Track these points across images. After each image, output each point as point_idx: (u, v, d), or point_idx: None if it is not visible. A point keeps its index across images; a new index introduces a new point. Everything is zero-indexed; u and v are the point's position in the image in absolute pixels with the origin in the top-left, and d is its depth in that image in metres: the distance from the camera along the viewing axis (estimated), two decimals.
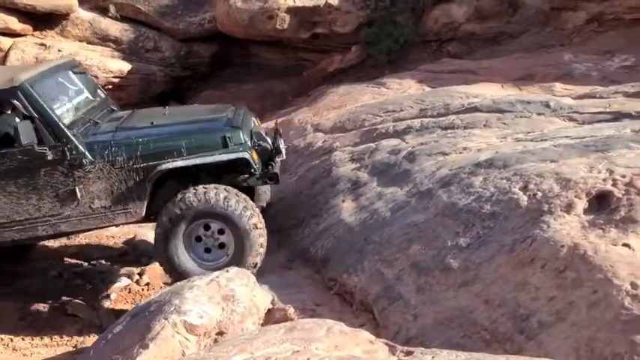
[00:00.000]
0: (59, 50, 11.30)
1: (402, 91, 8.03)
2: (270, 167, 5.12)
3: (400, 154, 5.58)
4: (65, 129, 4.76)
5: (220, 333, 3.61)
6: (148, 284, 5.54)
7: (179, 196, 4.84)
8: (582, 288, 2.93)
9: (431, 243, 4.01)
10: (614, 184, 3.55)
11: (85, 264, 6.15)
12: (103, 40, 11.93)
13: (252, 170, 4.99)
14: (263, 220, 5.00)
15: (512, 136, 5.26)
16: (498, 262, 3.46)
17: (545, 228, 3.44)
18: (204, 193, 4.81)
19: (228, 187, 4.90)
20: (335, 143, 6.63)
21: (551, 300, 3.01)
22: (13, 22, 11.43)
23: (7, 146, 4.73)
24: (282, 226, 5.81)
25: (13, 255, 5.85)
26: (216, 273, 4.07)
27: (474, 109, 6.29)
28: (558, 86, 7.11)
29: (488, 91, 7.05)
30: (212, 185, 4.88)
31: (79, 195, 4.79)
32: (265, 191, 5.95)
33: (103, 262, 6.14)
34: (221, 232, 4.89)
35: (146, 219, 5.11)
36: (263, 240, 4.92)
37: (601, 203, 3.50)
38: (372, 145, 6.13)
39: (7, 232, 4.85)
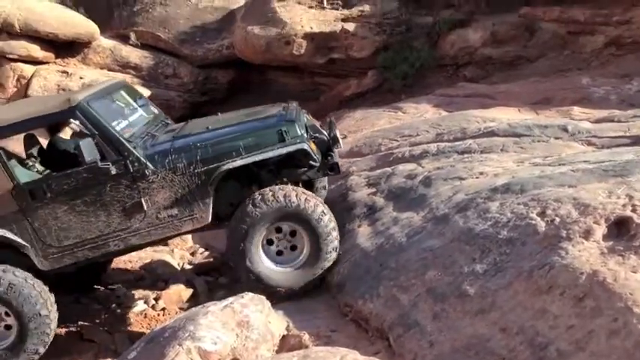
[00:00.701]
0: (81, 78, 11.56)
1: (419, 115, 8.04)
2: (329, 158, 5.10)
3: (416, 178, 5.55)
4: (125, 142, 4.84)
5: None
6: (163, 309, 5.55)
7: (256, 197, 4.82)
8: (602, 316, 2.87)
9: (447, 269, 3.96)
10: (634, 210, 3.49)
11: (102, 288, 6.18)
12: (124, 67, 12.17)
13: (313, 162, 4.99)
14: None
15: (529, 161, 5.21)
16: (516, 289, 3.40)
17: (563, 254, 3.38)
18: (284, 194, 4.80)
19: (304, 189, 4.91)
20: (351, 167, 6.63)
21: (570, 328, 2.94)
22: (36, 50, 11.70)
23: (71, 166, 4.83)
24: None
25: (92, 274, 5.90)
26: (230, 299, 4.07)
27: (491, 133, 6.26)
28: (576, 110, 7.07)
29: (504, 115, 7.03)
30: (290, 187, 4.90)
31: (145, 206, 4.84)
32: (324, 187, 5.94)
33: (120, 286, 6.16)
34: (292, 234, 4.88)
35: (210, 225, 5.09)
36: (337, 243, 4.91)
37: (620, 229, 3.43)
38: (389, 169, 6.11)
39: (80, 252, 4.90)
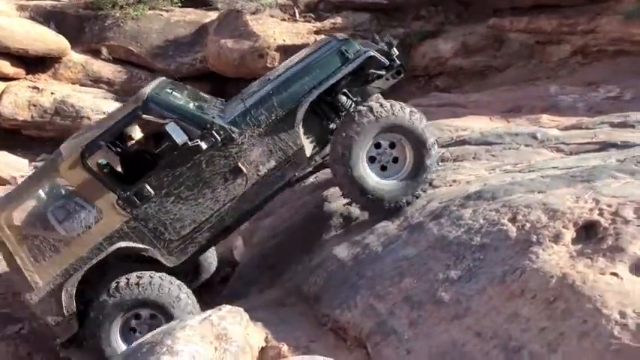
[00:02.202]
0: (52, 93, 11.46)
1: None
2: (392, 63, 5.08)
3: None
4: (204, 115, 4.93)
5: None
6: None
7: (354, 115, 4.79)
8: (572, 318, 2.95)
9: (422, 276, 4.02)
10: (601, 214, 3.59)
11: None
12: (96, 81, 12.09)
13: (383, 64, 4.99)
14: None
15: (500, 168, 5.32)
16: (489, 294, 3.47)
17: (534, 259, 3.47)
18: (385, 107, 4.78)
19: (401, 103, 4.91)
20: (327, 178, 6.67)
21: (542, 331, 3.02)
22: (6, 67, 11.58)
23: (162, 159, 4.94)
24: (275, 263, 5.80)
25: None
26: (208, 312, 4.07)
27: (463, 142, 6.37)
28: (545, 118, 7.23)
29: (476, 124, 7.16)
30: (388, 101, 4.88)
31: (244, 169, 4.88)
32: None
33: None
34: (392, 146, 4.86)
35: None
36: (439, 154, 4.95)
37: (588, 233, 3.53)
38: None
39: (200, 236, 4.96)
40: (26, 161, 11.04)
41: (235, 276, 6.44)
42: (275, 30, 11.41)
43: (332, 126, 5.20)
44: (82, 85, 11.94)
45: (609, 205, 3.63)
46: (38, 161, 11.10)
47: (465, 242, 4.03)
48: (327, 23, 12.30)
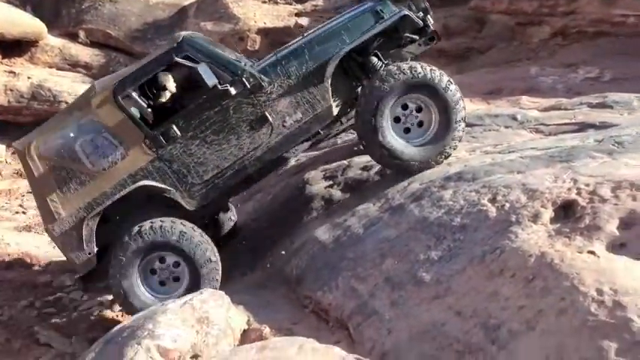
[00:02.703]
0: (28, 77, 11.25)
1: None
2: (426, 28, 5.18)
3: (372, 170, 5.62)
4: (236, 62, 5.03)
5: (195, 356, 3.59)
6: (121, 310, 5.47)
7: (382, 72, 4.86)
8: (550, 296, 2.98)
9: (404, 257, 4.04)
10: (579, 193, 3.63)
11: (58, 292, 6.06)
12: (74, 65, 11.90)
13: (417, 25, 5.09)
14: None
15: (480, 149, 5.34)
16: (469, 274, 3.50)
17: (513, 238, 3.50)
18: (409, 66, 4.85)
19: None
20: (308, 161, 6.66)
21: (521, 309, 3.05)
22: None
23: (192, 102, 4.94)
24: (257, 246, 5.79)
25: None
26: (189, 296, 4.06)
27: None
28: (525, 99, 7.26)
29: None
30: (417, 62, 4.95)
31: (270, 118, 4.93)
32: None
33: (75, 288, 6.05)
34: (418, 110, 4.94)
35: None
36: (464, 113, 4.97)
37: (566, 212, 3.57)
38: (345, 162, 6.16)
39: (222, 182, 5.00)
40: (3, 146, 10.87)
41: None
42: (255, 12, 11.31)
43: (360, 88, 5.25)
44: (59, 69, 11.74)
45: (587, 185, 3.67)
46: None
47: (445, 223, 4.06)
48: (309, 5, 12.22)
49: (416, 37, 5.22)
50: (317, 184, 5.98)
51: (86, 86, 11.27)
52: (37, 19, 11.90)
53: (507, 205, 3.82)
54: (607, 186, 3.59)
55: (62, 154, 4.87)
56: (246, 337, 4.03)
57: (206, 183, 4.97)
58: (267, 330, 4.06)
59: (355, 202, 5.24)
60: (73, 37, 12.15)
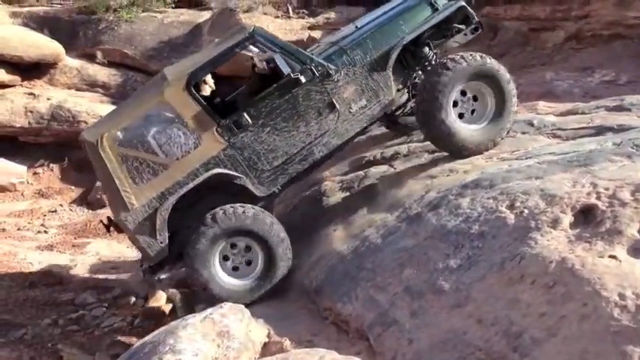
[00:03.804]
0: (48, 99, 11.43)
1: None
2: (472, 18, 5.53)
3: (389, 180, 5.61)
4: (304, 51, 5.29)
5: None
6: (142, 326, 5.50)
7: (445, 61, 5.11)
8: (572, 302, 2.95)
9: (422, 266, 4.02)
10: (598, 197, 3.58)
11: (80, 310, 6.12)
12: (92, 86, 12.07)
13: (472, 16, 5.46)
14: None
15: (497, 156, 5.30)
16: (489, 282, 3.47)
17: (533, 244, 3.46)
18: (471, 55, 5.12)
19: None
20: (324, 173, 6.67)
21: (542, 316, 3.01)
22: (1, 74, 11.54)
23: (263, 89, 5.14)
24: None
25: None
26: (209, 310, 4.07)
27: None
28: (541, 104, 7.20)
29: None
30: (473, 52, 5.23)
31: (337, 105, 5.17)
32: None
33: (97, 306, 6.11)
34: (475, 99, 5.23)
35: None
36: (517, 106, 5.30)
37: (586, 217, 3.53)
38: (361, 172, 6.17)
39: (291, 167, 5.20)
40: (24, 168, 11.04)
41: None
42: (269, 27, 11.38)
43: (413, 75, 5.57)
44: (77, 89, 11.91)
45: (606, 189, 3.63)
46: (36, 167, 11.10)
47: (463, 231, 4.03)
48: (321, 18, 12.29)
49: (463, 27, 5.50)
50: (334, 195, 5.99)
51: (104, 106, 11.44)
52: (55, 42, 12.11)
53: (526, 211, 3.79)
54: (627, 189, 3.55)
55: (135, 145, 4.95)
56: (266, 350, 4.03)
57: (275, 169, 5.15)
58: (287, 342, 4.06)
59: (372, 212, 5.24)
60: (90, 57, 12.34)
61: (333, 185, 6.25)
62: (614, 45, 9.16)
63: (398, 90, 5.48)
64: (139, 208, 4.92)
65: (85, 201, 10.56)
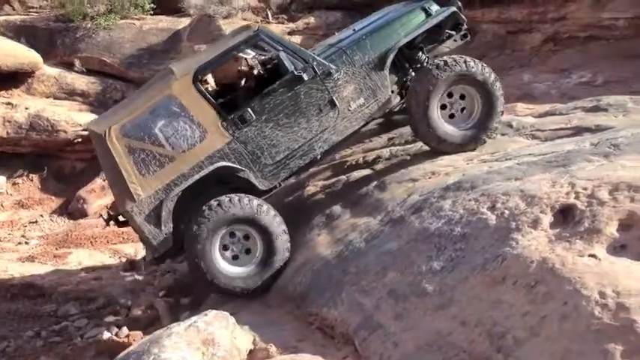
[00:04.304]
0: (26, 108, 11.31)
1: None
2: (460, 26, 5.80)
3: (371, 184, 5.63)
4: (307, 50, 5.51)
5: None
6: (128, 336, 5.46)
7: (433, 65, 5.34)
8: (553, 301, 2.98)
9: (406, 269, 4.04)
10: (577, 197, 3.64)
11: (63, 321, 6.05)
12: (70, 94, 11.97)
13: (463, 21, 5.74)
14: None
15: (478, 158, 5.35)
16: (472, 283, 3.50)
17: (514, 245, 3.50)
18: (464, 60, 5.32)
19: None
20: (306, 177, 6.67)
21: (524, 316, 3.05)
22: None
23: (267, 85, 5.31)
24: None
25: None
26: (194, 318, 4.06)
27: None
28: (520, 106, 7.29)
29: None
30: (461, 56, 5.40)
31: (337, 103, 5.37)
32: None
33: (79, 316, 6.05)
34: (462, 97, 5.44)
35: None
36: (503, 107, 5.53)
37: (566, 216, 3.57)
38: (344, 177, 6.18)
39: (292, 162, 5.37)
40: (4, 178, 10.89)
41: None
42: None
43: (405, 78, 5.77)
44: (56, 98, 11.80)
45: (585, 188, 3.68)
46: (16, 177, 10.96)
47: (446, 233, 4.06)
48: (301, 23, 12.31)
49: (453, 32, 5.78)
50: (317, 200, 6.00)
51: (83, 114, 11.34)
52: (33, 50, 11.99)
53: (507, 212, 3.83)
54: (605, 189, 3.60)
55: (142, 137, 5.05)
56: (252, 357, 4.02)
57: (278, 163, 5.31)
58: (273, 349, 4.05)
59: (356, 216, 5.25)
60: (68, 66, 12.23)
61: (315, 190, 6.26)
62: (590, 46, 9.31)
63: (392, 91, 5.66)
64: (145, 199, 5.02)
65: (66, 211, 10.45)
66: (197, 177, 5.06)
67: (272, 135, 5.25)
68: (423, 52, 5.74)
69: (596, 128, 5.36)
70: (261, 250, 5.11)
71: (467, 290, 3.48)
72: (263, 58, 6.06)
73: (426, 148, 6.09)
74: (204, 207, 4.98)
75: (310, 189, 6.32)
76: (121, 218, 5.39)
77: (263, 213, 5.06)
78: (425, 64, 5.62)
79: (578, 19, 9.76)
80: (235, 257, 5.13)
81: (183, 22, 12.89)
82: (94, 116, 11.27)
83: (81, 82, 11.92)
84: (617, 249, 3.18)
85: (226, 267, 5.07)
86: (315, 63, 5.30)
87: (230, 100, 5.80)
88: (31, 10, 13.64)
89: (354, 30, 5.86)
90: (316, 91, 5.31)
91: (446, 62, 5.35)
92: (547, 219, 3.60)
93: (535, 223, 3.60)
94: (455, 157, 5.59)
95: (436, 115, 5.36)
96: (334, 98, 5.35)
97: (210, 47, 5.90)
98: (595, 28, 9.54)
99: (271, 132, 5.25)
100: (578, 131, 5.47)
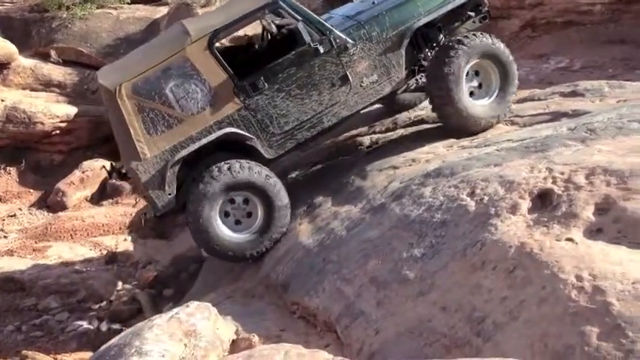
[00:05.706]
0: (2, 100, 11.13)
1: None
2: (480, 7, 5.76)
3: (352, 171, 5.64)
4: (325, 22, 5.35)
5: None
6: (109, 328, 5.43)
7: (456, 41, 5.28)
8: (531, 285, 3.02)
9: (387, 256, 4.06)
10: (554, 182, 3.68)
11: (44, 315, 6.00)
12: (47, 85, 11.79)
13: (484, 3, 5.71)
14: None
15: (457, 144, 5.38)
16: (452, 269, 3.53)
17: (493, 230, 3.53)
18: (483, 37, 5.34)
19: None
20: (289, 165, 6.66)
21: (503, 300, 3.08)
22: None
23: (282, 55, 5.21)
24: None
25: None
26: (175, 309, 4.03)
27: (421, 121, 6.42)
28: None
29: None
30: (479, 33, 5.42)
31: (350, 78, 5.30)
32: None
33: (60, 310, 6.00)
34: (477, 73, 5.45)
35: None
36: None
37: (543, 201, 3.61)
38: (325, 165, 6.18)
39: (300, 134, 5.32)
40: None
41: (203, 271, 6.40)
42: None
43: (421, 56, 5.71)
44: (32, 90, 11.61)
45: (562, 173, 3.73)
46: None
47: (426, 220, 4.09)
48: None
49: (473, 14, 5.71)
50: (298, 188, 5.99)
51: (61, 105, 11.19)
52: (7, 41, 11.78)
53: (486, 198, 3.86)
54: (581, 173, 3.65)
55: (153, 96, 5.00)
56: (235, 347, 4.01)
57: (285, 134, 5.27)
58: (255, 338, 4.05)
59: (337, 204, 5.26)
60: (44, 57, 12.05)
61: (296, 179, 6.25)
62: (568, 32, 9.37)
63: (407, 68, 5.58)
64: (151, 158, 5.00)
65: (45, 204, 10.33)
66: (205, 141, 5.03)
67: (282, 105, 5.22)
68: (441, 32, 5.67)
69: (573, 113, 5.40)
70: (261, 217, 5.15)
71: (447, 276, 3.51)
72: (277, 22, 6.00)
73: (406, 134, 6.13)
74: (213, 167, 4.98)
75: (292, 177, 6.31)
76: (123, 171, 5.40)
77: (271, 184, 5.10)
78: (441, 44, 5.54)
79: (555, 4, 9.81)
80: (237, 222, 5.16)
81: (161, 11, 12.75)
82: (71, 108, 11.16)
83: (57, 73, 11.75)
84: (594, 233, 3.23)
85: (227, 231, 5.11)
86: (332, 36, 5.22)
87: (241, 63, 5.66)
88: (5, 0, 13.38)
89: (373, 2, 5.71)
90: (331, 65, 5.26)
91: (467, 36, 5.35)
92: (525, 204, 3.64)
93: (514, 209, 3.63)
94: (435, 144, 5.61)
95: (461, 91, 5.33)
96: (348, 73, 5.29)
97: (226, 7, 5.77)
98: (572, 14, 9.60)
99: (282, 102, 5.21)
100: (556, 116, 5.51)
